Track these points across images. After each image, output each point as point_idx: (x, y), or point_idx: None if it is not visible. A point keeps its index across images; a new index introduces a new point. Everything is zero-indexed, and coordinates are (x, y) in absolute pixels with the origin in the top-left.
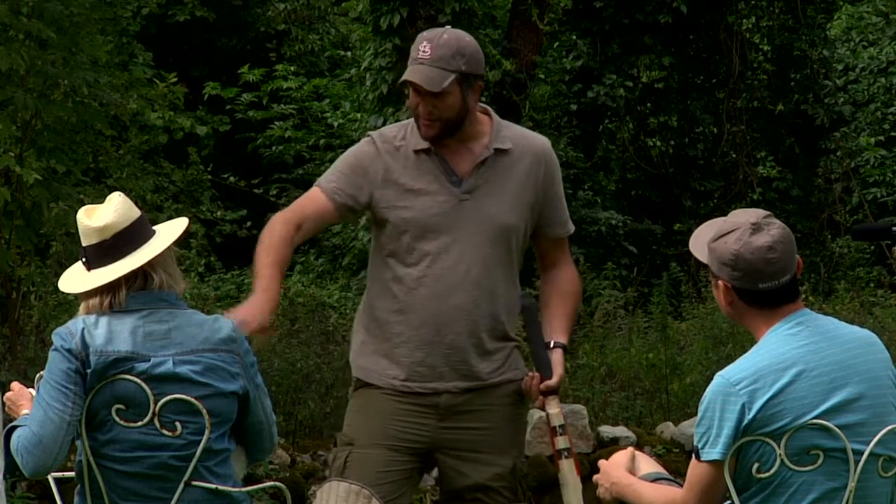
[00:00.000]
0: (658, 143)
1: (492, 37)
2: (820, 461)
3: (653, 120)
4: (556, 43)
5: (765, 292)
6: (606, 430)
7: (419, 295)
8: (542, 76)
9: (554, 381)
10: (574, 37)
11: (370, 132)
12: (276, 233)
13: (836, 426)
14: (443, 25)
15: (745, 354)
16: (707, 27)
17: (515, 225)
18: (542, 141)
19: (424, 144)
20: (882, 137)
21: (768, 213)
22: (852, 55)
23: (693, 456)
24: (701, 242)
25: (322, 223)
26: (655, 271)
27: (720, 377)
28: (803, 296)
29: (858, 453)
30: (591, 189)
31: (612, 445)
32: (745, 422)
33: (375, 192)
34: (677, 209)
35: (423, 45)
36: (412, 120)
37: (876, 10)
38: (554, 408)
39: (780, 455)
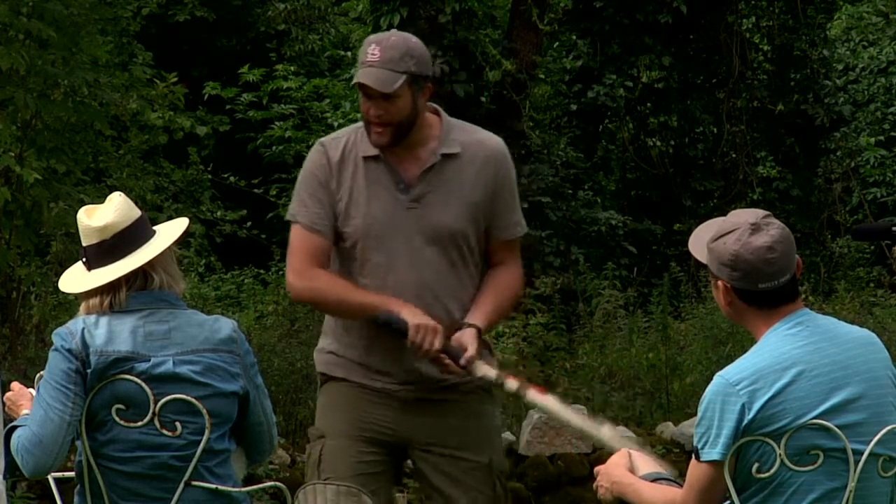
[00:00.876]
0: (658, 143)
1: (492, 37)
2: (820, 461)
3: (653, 120)
4: (556, 43)
5: (764, 292)
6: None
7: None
8: (542, 76)
9: (462, 361)
10: (574, 37)
11: (321, 140)
12: (320, 278)
13: (836, 426)
14: (443, 25)
15: (745, 355)
16: (707, 27)
17: (463, 230)
18: (494, 142)
19: (374, 151)
20: (882, 137)
21: (768, 213)
22: (852, 55)
23: (693, 456)
24: (700, 242)
25: (328, 256)
26: (655, 271)
27: (720, 377)
28: (803, 296)
29: (858, 453)
30: (591, 189)
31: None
32: (745, 422)
33: (335, 204)
34: (677, 209)
35: (372, 48)
36: (361, 124)
37: (876, 10)
38: (480, 369)
39: (779, 455)
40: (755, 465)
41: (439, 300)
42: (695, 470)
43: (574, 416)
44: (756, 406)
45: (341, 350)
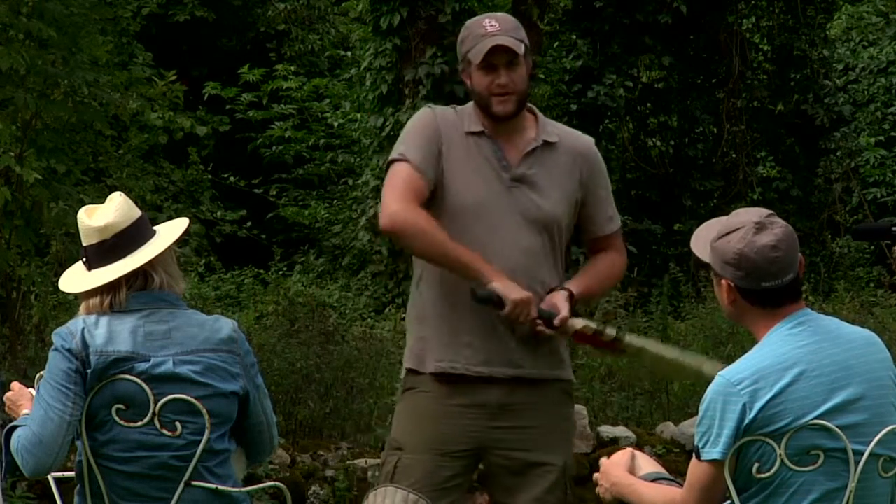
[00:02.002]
0: (658, 143)
1: None
2: (820, 461)
3: (653, 120)
4: (556, 43)
5: (768, 291)
6: (606, 430)
7: (461, 293)
8: (542, 76)
9: (557, 322)
10: (574, 37)
11: (430, 105)
12: (427, 220)
13: (836, 426)
14: (443, 25)
15: (746, 354)
16: (707, 27)
17: (559, 216)
18: (585, 140)
19: (479, 127)
20: (882, 137)
21: (771, 212)
22: (852, 55)
23: (693, 455)
24: (702, 242)
25: (426, 197)
26: (655, 271)
27: (721, 377)
28: (803, 296)
29: (859, 454)
30: None
31: (612, 445)
32: (746, 422)
33: (441, 162)
34: (677, 209)
35: (489, 21)
36: (464, 107)
37: (876, 10)
38: (576, 324)
39: (780, 455)
40: (755, 466)
41: (529, 280)
42: (695, 469)
43: (675, 351)
44: (757, 406)
45: (430, 333)
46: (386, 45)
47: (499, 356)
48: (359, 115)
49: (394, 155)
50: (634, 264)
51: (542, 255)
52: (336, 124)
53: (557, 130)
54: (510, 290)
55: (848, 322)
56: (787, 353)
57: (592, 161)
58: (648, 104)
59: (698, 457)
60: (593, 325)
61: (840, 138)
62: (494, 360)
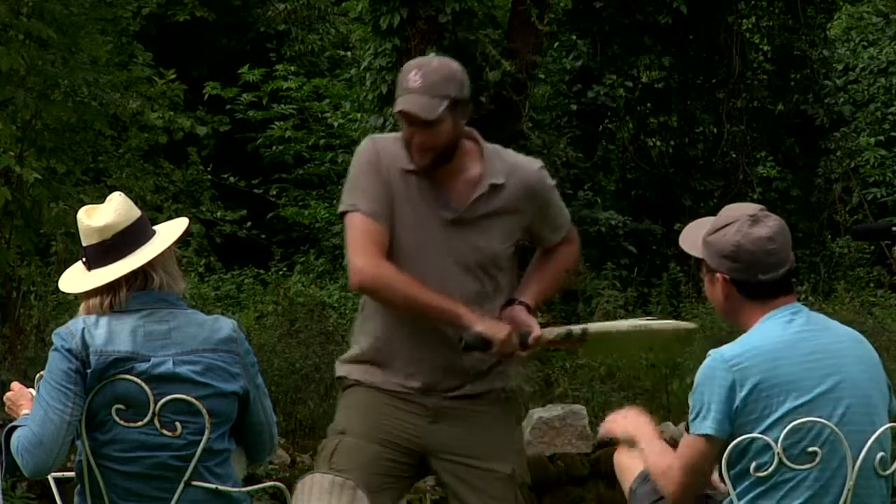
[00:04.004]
0: (658, 143)
1: (492, 37)
2: (818, 459)
3: (653, 120)
4: (556, 43)
5: (764, 283)
6: None
7: (405, 326)
8: (542, 76)
9: (530, 341)
10: (574, 37)
11: (372, 136)
12: (391, 270)
13: (825, 415)
14: (443, 25)
15: (740, 337)
16: (707, 27)
17: (498, 253)
18: (532, 170)
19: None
20: (882, 137)
21: (762, 206)
22: (852, 55)
23: (691, 432)
24: (692, 238)
25: (388, 241)
26: (655, 271)
27: (713, 354)
28: (803, 296)
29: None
30: (591, 189)
31: (612, 445)
32: (738, 401)
33: (389, 198)
34: (677, 209)
35: (414, 74)
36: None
37: (876, 10)
38: (550, 333)
39: (777, 453)
40: (752, 464)
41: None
42: (684, 443)
43: (638, 320)
44: (748, 384)
45: (366, 355)
46: (386, 45)
47: (437, 384)
48: (359, 115)
49: (345, 206)
50: (634, 264)
51: (482, 294)
52: (336, 124)
53: (504, 166)
54: (495, 331)
55: (847, 322)
56: (780, 336)
57: (539, 189)
58: (648, 104)
59: (688, 430)
60: (562, 331)
61: (840, 138)
62: (433, 386)
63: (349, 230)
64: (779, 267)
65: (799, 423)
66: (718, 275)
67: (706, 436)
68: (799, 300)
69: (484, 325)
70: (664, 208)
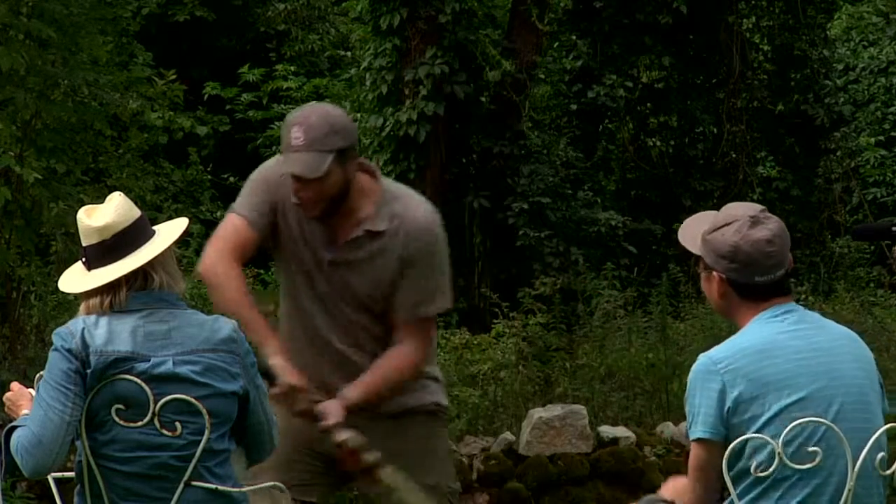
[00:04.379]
0: (658, 143)
1: (492, 37)
2: (818, 459)
3: (653, 120)
4: (556, 43)
5: (760, 285)
6: (606, 430)
7: (297, 342)
8: (542, 76)
9: (320, 427)
10: (574, 37)
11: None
12: (234, 275)
13: (820, 414)
14: (443, 25)
15: (729, 338)
16: (707, 27)
17: (377, 298)
18: (417, 220)
19: None
20: (882, 137)
21: (763, 207)
22: (852, 55)
23: (690, 439)
24: (691, 233)
25: (252, 253)
26: (655, 271)
27: (703, 357)
28: (803, 296)
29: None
30: (591, 189)
31: (612, 445)
32: (729, 402)
33: (276, 219)
34: (677, 209)
35: (295, 131)
36: None
37: (876, 10)
38: (343, 434)
39: (778, 453)
40: (752, 464)
41: (350, 350)
42: (691, 450)
43: (422, 500)
44: (738, 386)
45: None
46: (386, 45)
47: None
48: (359, 115)
49: (230, 208)
50: (634, 264)
51: (367, 329)
52: None
53: (393, 211)
54: (285, 373)
55: (847, 322)
56: (771, 336)
57: (416, 245)
58: (648, 104)
59: (692, 438)
60: (357, 441)
61: (840, 138)
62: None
63: (219, 226)
64: (776, 269)
65: (797, 423)
66: (715, 273)
67: (702, 440)
68: (799, 300)
69: (279, 363)
70: (664, 208)
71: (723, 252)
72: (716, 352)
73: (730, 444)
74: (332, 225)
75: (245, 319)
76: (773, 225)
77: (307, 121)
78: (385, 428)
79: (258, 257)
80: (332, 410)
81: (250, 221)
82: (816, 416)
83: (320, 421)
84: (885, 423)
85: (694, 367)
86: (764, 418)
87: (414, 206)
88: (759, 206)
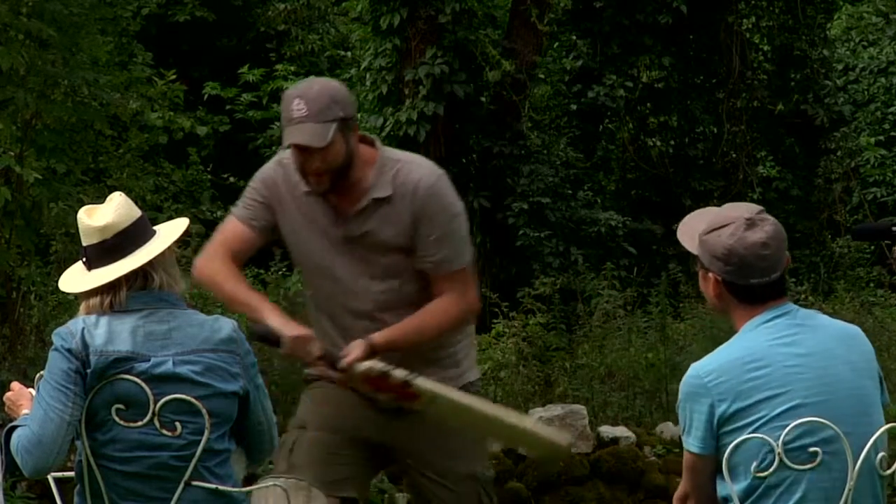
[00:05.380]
0: (658, 143)
1: (492, 37)
2: (818, 460)
3: (653, 120)
4: (556, 43)
5: (755, 287)
6: (606, 430)
7: (324, 323)
8: (542, 76)
9: (341, 364)
10: (574, 37)
11: (281, 159)
12: (222, 268)
13: (812, 417)
14: (443, 25)
15: (720, 346)
16: (707, 27)
17: (398, 263)
18: (422, 179)
19: (307, 187)
20: (882, 137)
21: (761, 208)
22: (852, 55)
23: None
24: (690, 231)
25: (251, 251)
26: (655, 271)
27: (692, 369)
28: (803, 296)
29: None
30: (591, 189)
31: (612, 445)
32: (718, 415)
33: (278, 216)
34: (677, 209)
35: (297, 103)
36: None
37: (876, 10)
38: (360, 367)
39: (778, 454)
40: (753, 464)
41: (379, 325)
42: (684, 457)
43: (479, 402)
44: (727, 401)
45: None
46: (386, 45)
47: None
48: (359, 115)
49: (230, 210)
50: (634, 264)
51: (397, 297)
52: None
53: (395, 175)
54: (286, 328)
55: (847, 322)
56: (759, 346)
57: (424, 203)
58: (648, 104)
59: (685, 449)
60: (379, 366)
61: (840, 138)
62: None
63: (217, 229)
64: (771, 272)
65: (797, 424)
66: (711, 274)
67: (693, 452)
68: (799, 300)
69: (279, 323)
70: (664, 208)
71: (718, 254)
72: (705, 364)
73: (721, 455)
74: (338, 202)
75: (237, 296)
76: (768, 227)
77: (308, 92)
78: (418, 413)
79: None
80: (353, 348)
81: (246, 222)
82: (818, 418)
83: (336, 362)
84: (886, 421)
85: (684, 379)
86: (754, 427)
87: (416, 166)
88: (756, 208)
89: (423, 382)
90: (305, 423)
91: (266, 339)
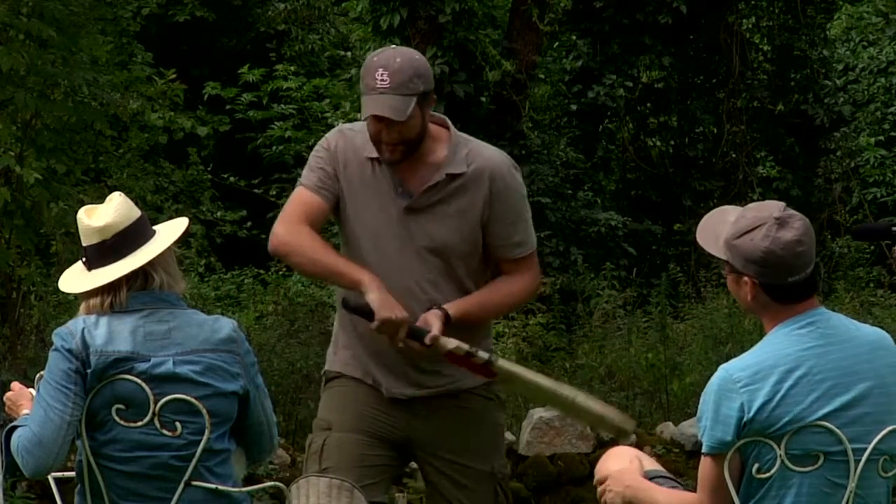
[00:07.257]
0: (658, 143)
1: (492, 37)
2: (820, 462)
3: (653, 120)
4: (556, 43)
5: (792, 285)
6: None
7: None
8: (542, 76)
9: (427, 340)
10: (574, 37)
11: (342, 128)
12: (310, 239)
13: (836, 427)
14: (443, 25)
15: (752, 349)
16: (707, 27)
17: (454, 245)
18: (495, 160)
19: (376, 153)
20: (882, 137)
21: (784, 204)
22: (852, 55)
23: (702, 453)
24: (711, 234)
25: (324, 220)
26: (655, 271)
27: (723, 370)
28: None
29: (859, 453)
30: (591, 189)
31: (612, 445)
32: (746, 419)
33: (339, 183)
34: (677, 209)
35: (380, 73)
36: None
37: (876, 10)
38: (447, 344)
39: (780, 456)
40: (755, 466)
41: (424, 307)
42: (703, 465)
43: (547, 380)
44: (756, 405)
45: (346, 352)
46: (386, 45)
47: (405, 382)
48: (359, 116)
49: (298, 181)
50: (634, 264)
51: (438, 282)
52: (336, 124)
53: (468, 154)
54: (383, 306)
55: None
56: (791, 354)
57: (498, 181)
58: (648, 104)
59: (703, 452)
60: (465, 346)
61: (840, 138)
62: (392, 381)
63: (287, 202)
64: (807, 267)
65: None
66: (746, 278)
67: (715, 454)
68: None
69: (376, 297)
70: (664, 208)
71: (754, 257)
72: (737, 365)
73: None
74: (405, 172)
75: (335, 266)
76: (798, 223)
77: (392, 63)
78: (445, 405)
79: (258, 257)
80: (432, 322)
81: (316, 191)
82: (832, 437)
83: (422, 338)
84: None
85: (713, 379)
86: (777, 434)
87: (486, 148)
88: (780, 205)
89: (504, 363)
90: (331, 424)
91: (359, 311)
